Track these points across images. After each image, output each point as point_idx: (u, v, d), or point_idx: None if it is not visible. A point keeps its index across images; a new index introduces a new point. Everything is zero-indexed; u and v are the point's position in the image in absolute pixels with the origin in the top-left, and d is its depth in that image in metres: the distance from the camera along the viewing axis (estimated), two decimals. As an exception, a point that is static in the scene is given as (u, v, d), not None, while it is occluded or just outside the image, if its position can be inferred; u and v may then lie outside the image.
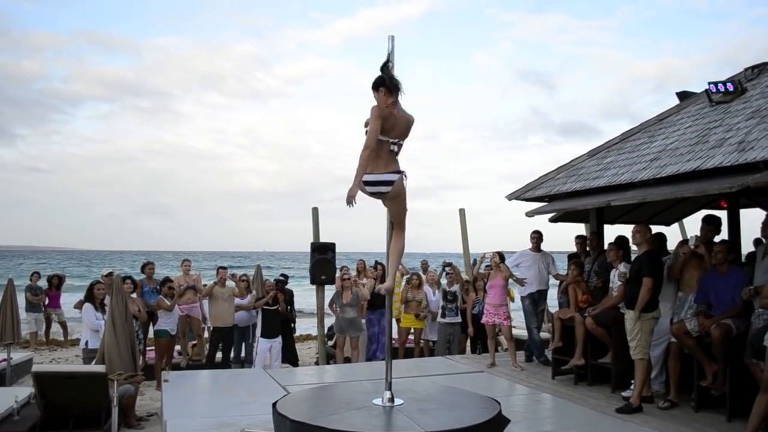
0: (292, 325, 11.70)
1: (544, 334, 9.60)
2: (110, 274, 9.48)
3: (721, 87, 7.73)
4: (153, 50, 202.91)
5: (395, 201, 4.60)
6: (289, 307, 11.06)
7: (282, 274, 11.82)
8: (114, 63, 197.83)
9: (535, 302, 9.13)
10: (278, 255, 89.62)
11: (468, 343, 11.15)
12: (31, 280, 14.72)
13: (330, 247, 10.92)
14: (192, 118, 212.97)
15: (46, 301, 14.47)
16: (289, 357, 10.86)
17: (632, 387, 6.46)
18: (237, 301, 10.67)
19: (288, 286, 11.30)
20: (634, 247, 6.82)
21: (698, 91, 8.60)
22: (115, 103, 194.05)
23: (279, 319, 10.41)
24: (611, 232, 8.97)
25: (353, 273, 11.25)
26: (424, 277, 11.54)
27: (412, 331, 11.10)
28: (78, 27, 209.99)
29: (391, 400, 5.02)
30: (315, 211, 11.26)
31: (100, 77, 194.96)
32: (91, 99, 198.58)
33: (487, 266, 9.75)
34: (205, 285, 11.39)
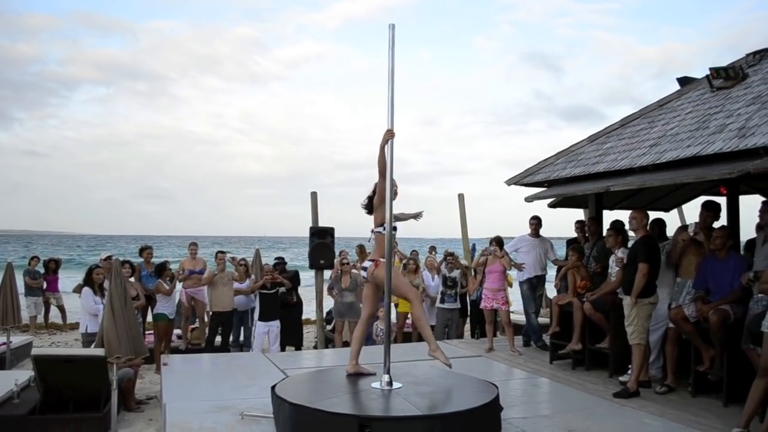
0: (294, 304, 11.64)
1: (542, 319, 9.62)
2: (109, 258, 9.47)
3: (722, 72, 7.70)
4: (149, 33, 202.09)
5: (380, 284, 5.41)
6: (292, 292, 11.03)
7: (277, 257, 11.79)
8: (110, 46, 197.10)
9: (534, 287, 9.15)
10: (275, 240, 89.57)
11: (466, 327, 11.19)
12: (29, 264, 14.72)
13: (329, 232, 10.91)
14: (189, 102, 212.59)
15: (44, 285, 14.47)
16: (294, 339, 10.88)
17: (629, 372, 6.49)
18: (236, 285, 10.68)
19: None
20: (631, 233, 6.82)
21: (701, 76, 8.55)
22: (111, 87, 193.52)
23: (277, 303, 10.43)
24: (610, 217, 8.97)
25: (353, 258, 11.26)
26: (421, 262, 11.56)
27: (409, 315, 11.13)
28: (73, 8, 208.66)
29: (390, 383, 5.05)
30: (314, 195, 11.25)
31: (96, 60, 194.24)
32: (88, 82, 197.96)
33: (484, 249, 9.75)
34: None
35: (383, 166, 5.20)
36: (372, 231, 5.48)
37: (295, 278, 11.25)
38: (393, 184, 5.18)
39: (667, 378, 6.51)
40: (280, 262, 11.32)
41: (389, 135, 5.14)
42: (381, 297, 5.50)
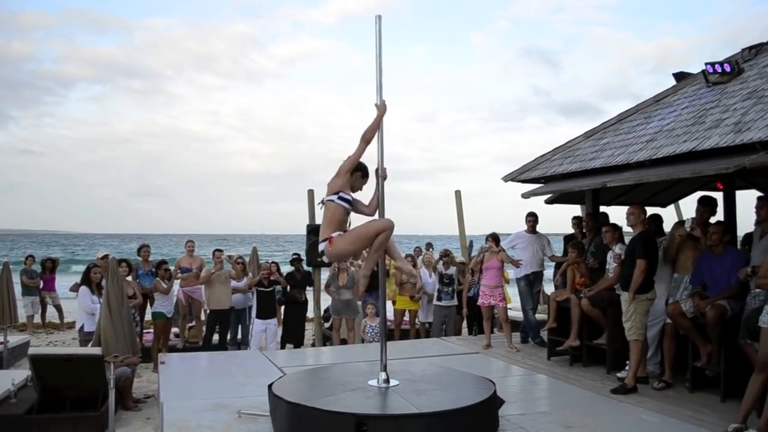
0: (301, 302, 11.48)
1: (540, 316, 9.62)
2: (106, 256, 9.46)
3: (717, 68, 7.69)
4: (145, 30, 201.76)
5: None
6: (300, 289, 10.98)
7: (295, 253, 11.67)
8: (105, 43, 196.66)
9: (531, 284, 9.15)
10: (273, 237, 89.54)
11: (464, 324, 11.19)
12: (25, 263, 14.68)
13: (326, 230, 10.85)
14: (185, 100, 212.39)
15: (41, 285, 14.44)
16: (295, 338, 10.87)
17: (627, 368, 6.48)
18: (233, 283, 10.66)
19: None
20: (627, 228, 6.82)
21: (697, 72, 8.54)
22: (107, 85, 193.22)
23: (274, 300, 10.42)
24: (607, 213, 8.97)
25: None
26: (419, 258, 11.54)
27: (406, 313, 11.13)
28: (68, 6, 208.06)
29: (387, 381, 5.05)
30: (310, 193, 11.23)
31: (92, 58, 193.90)
32: (83, 80, 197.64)
33: (482, 247, 9.75)
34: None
35: (372, 135, 5.06)
36: (322, 201, 5.05)
37: (307, 278, 11.19)
38: (382, 169, 5.13)
39: (664, 374, 6.50)
40: (298, 258, 11.26)
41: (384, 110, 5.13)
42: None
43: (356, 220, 5.13)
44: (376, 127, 5.10)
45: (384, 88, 5.24)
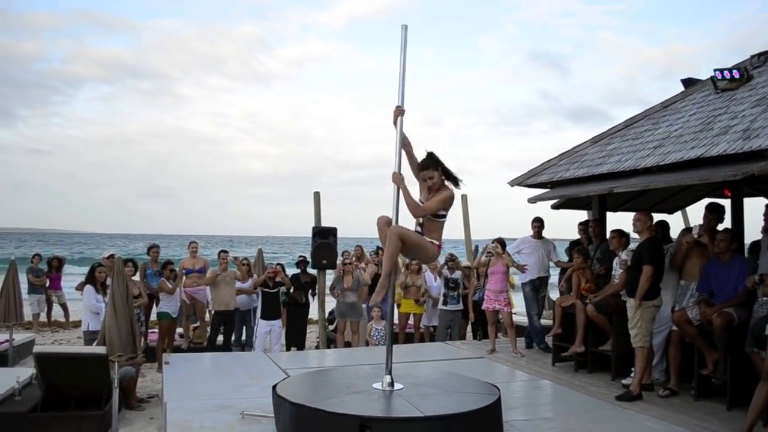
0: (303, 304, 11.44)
1: (545, 321, 9.59)
2: (111, 256, 9.49)
3: (726, 74, 7.67)
4: (153, 31, 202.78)
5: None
6: (302, 292, 11.01)
7: (301, 255, 11.71)
8: (113, 44, 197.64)
9: (536, 289, 9.12)
10: (280, 239, 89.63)
11: (469, 328, 11.17)
12: (32, 262, 14.75)
13: (331, 232, 10.90)
14: (193, 101, 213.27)
15: (47, 283, 14.50)
16: (298, 340, 10.88)
17: (632, 375, 6.46)
18: (238, 284, 10.68)
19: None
20: (634, 235, 6.79)
21: (705, 78, 8.51)
22: (115, 85, 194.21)
23: (279, 302, 10.42)
24: (614, 219, 8.95)
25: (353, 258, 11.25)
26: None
27: (411, 316, 11.12)
28: (76, 7, 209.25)
29: (391, 384, 5.03)
30: (317, 195, 11.24)
31: (100, 58, 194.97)
32: (91, 81, 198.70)
33: (488, 254, 9.74)
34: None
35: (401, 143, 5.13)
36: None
37: (313, 282, 11.19)
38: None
39: (670, 381, 6.47)
40: (303, 260, 11.28)
41: (398, 112, 5.11)
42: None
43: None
44: (397, 132, 5.15)
45: (396, 93, 5.24)
